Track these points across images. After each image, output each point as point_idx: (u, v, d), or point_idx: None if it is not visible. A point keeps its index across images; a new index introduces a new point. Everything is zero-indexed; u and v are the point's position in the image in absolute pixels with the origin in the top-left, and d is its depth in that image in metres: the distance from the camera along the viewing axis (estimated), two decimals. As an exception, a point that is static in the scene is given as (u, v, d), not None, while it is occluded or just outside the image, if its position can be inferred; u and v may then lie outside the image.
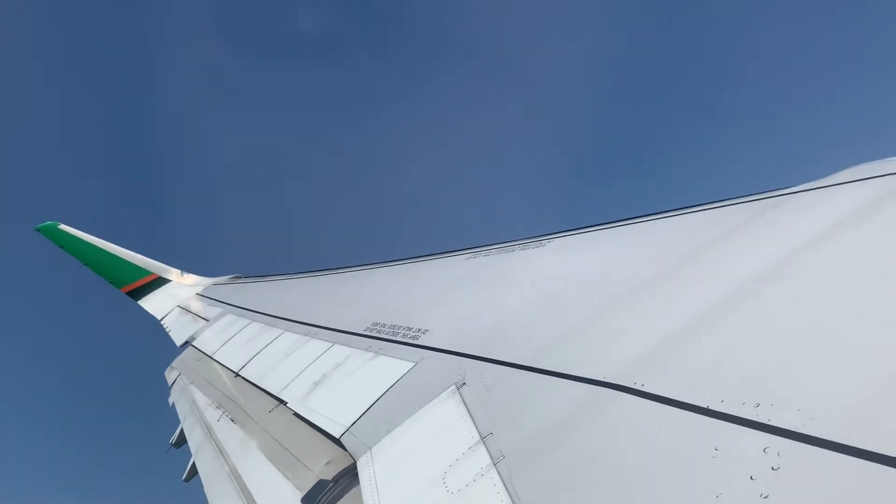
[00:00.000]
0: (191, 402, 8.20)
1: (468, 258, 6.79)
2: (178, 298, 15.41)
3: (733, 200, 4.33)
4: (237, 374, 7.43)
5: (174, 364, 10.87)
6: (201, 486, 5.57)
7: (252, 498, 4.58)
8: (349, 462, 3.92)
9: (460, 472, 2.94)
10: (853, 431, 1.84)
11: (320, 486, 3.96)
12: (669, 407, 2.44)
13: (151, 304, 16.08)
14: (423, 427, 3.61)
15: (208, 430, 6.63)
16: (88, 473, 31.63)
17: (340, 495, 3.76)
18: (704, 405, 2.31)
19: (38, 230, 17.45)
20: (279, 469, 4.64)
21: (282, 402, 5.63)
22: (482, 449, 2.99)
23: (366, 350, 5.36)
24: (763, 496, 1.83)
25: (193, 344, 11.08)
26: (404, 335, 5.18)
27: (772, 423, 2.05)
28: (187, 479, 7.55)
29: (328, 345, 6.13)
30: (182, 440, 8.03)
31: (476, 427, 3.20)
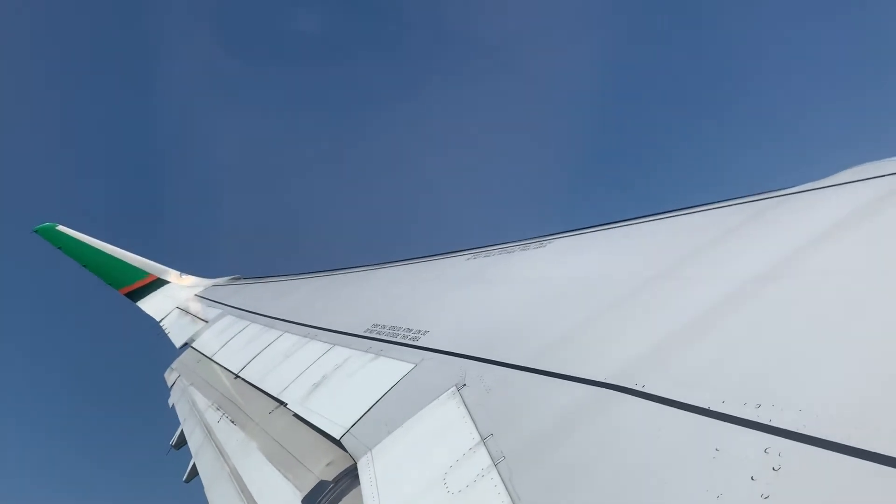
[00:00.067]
0: (191, 403, 8.20)
1: (468, 259, 6.79)
2: (177, 300, 15.40)
3: (733, 200, 4.33)
4: (237, 376, 7.43)
5: (174, 365, 10.86)
6: (202, 487, 5.57)
7: (252, 499, 4.58)
8: (350, 463, 3.92)
9: (461, 473, 2.94)
10: (854, 432, 1.84)
11: (321, 487, 3.96)
12: (670, 408, 2.44)
13: (150, 305, 16.07)
14: (424, 428, 3.61)
15: (208, 432, 6.62)
16: (89, 475, 31.63)
17: (341, 496, 3.76)
18: (705, 406, 2.32)
19: (36, 231, 17.45)
20: (280, 470, 4.64)
21: (282, 403, 5.63)
22: (483, 450, 2.99)
23: (366, 351, 5.36)
24: (764, 496, 1.84)
25: (193, 345, 11.07)
26: (404, 336, 5.18)
27: (772, 423, 2.05)
28: (188, 481, 7.55)
29: (328, 346, 6.13)
30: (182, 441, 8.03)
31: (476, 428, 3.20)
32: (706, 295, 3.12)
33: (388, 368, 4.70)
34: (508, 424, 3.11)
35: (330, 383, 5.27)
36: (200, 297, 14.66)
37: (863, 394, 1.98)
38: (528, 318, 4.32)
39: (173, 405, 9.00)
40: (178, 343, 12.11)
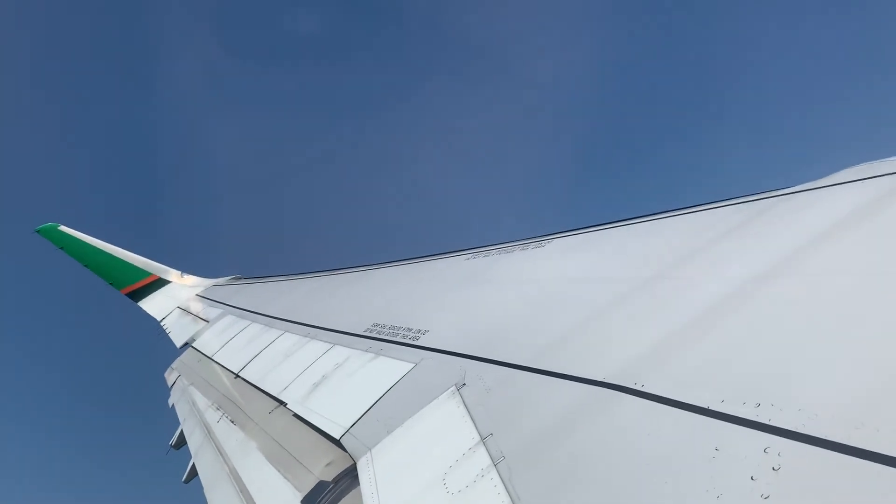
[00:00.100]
0: (191, 403, 8.20)
1: (468, 259, 6.79)
2: (177, 300, 15.42)
3: (733, 200, 4.33)
4: (237, 376, 7.43)
5: (174, 365, 10.87)
6: (201, 487, 5.57)
7: (252, 499, 4.58)
8: (349, 463, 3.92)
9: (461, 473, 2.94)
10: (853, 431, 1.83)
11: (320, 487, 3.95)
12: (669, 407, 2.44)
13: (151, 305, 16.09)
14: (424, 428, 3.61)
15: (208, 432, 6.62)
16: (89, 474, 31.65)
17: (341, 496, 3.76)
18: (705, 405, 2.31)
19: (37, 232, 17.47)
20: (279, 470, 4.63)
21: (282, 403, 5.63)
22: (482, 450, 2.98)
23: (366, 351, 5.36)
24: (764, 496, 1.83)
25: (193, 345, 11.07)
26: (404, 336, 5.18)
27: (772, 423, 2.05)
28: (187, 481, 7.55)
29: (328, 346, 6.12)
30: (182, 441, 8.03)
31: (476, 428, 3.20)
32: (706, 294, 3.11)
33: (388, 368, 4.70)
34: (508, 424, 3.10)
35: (330, 383, 5.26)
36: (201, 296, 14.67)
37: (862, 393, 1.98)
38: (527, 317, 4.31)
39: (173, 405, 9.00)
40: (178, 343, 12.11)
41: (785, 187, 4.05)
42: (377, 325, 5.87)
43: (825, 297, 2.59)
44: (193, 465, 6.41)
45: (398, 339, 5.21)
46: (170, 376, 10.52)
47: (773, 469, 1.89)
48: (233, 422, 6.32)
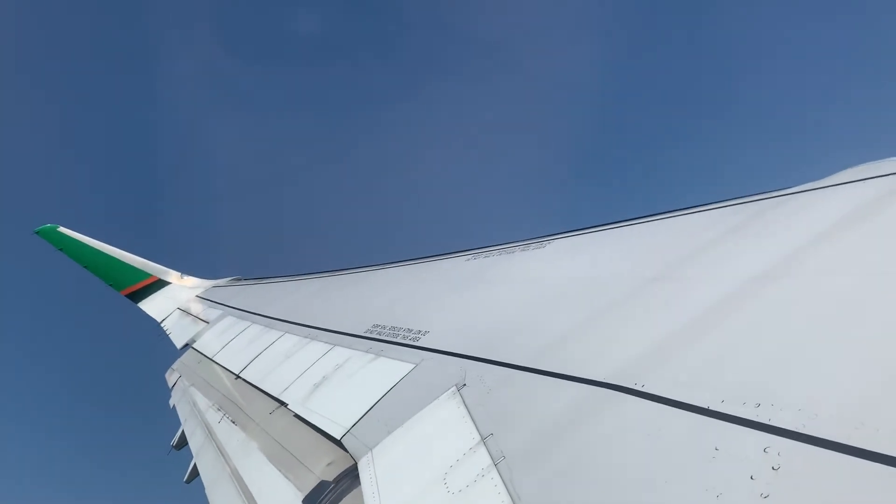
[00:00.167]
0: (191, 404, 8.20)
1: (468, 259, 6.79)
2: (178, 301, 15.41)
3: (734, 201, 4.33)
4: (238, 376, 7.43)
5: (175, 366, 10.87)
6: (203, 487, 5.57)
7: (253, 499, 4.59)
8: (350, 463, 3.92)
9: (461, 473, 2.94)
10: (853, 431, 1.84)
11: (321, 487, 3.96)
12: (670, 407, 2.44)
13: (151, 306, 16.08)
14: (424, 428, 3.62)
15: (209, 432, 6.63)
16: (90, 475, 31.65)
17: (341, 496, 3.76)
18: (705, 405, 2.32)
19: (37, 233, 17.46)
20: (280, 470, 4.64)
21: (282, 403, 5.63)
22: (483, 450, 2.99)
23: (366, 352, 5.36)
24: (763, 496, 1.84)
25: (194, 346, 11.07)
26: (405, 337, 5.18)
27: (772, 423, 2.05)
28: (189, 481, 7.55)
29: (328, 347, 6.13)
30: (183, 442, 8.04)
31: (477, 428, 3.20)
32: (706, 295, 3.12)
33: (389, 369, 4.70)
34: (508, 424, 3.11)
35: (330, 384, 5.27)
36: (201, 297, 14.67)
37: (862, 393, 1.98)
38: (528, 318, 4.32)
39: (174, 406, 9.01)
40: (179, 344, 12.11)
41: (786, 187, 4.06)
42: (377, 325, 5.88)
43: (825, 298, 2.59)
44: (195, 466, 6.43)
45: (398, 339, 5.21)
46: (170, 377, 10.53)
47: (773, 469, 1.90)
48: (234, 422, 6.32)
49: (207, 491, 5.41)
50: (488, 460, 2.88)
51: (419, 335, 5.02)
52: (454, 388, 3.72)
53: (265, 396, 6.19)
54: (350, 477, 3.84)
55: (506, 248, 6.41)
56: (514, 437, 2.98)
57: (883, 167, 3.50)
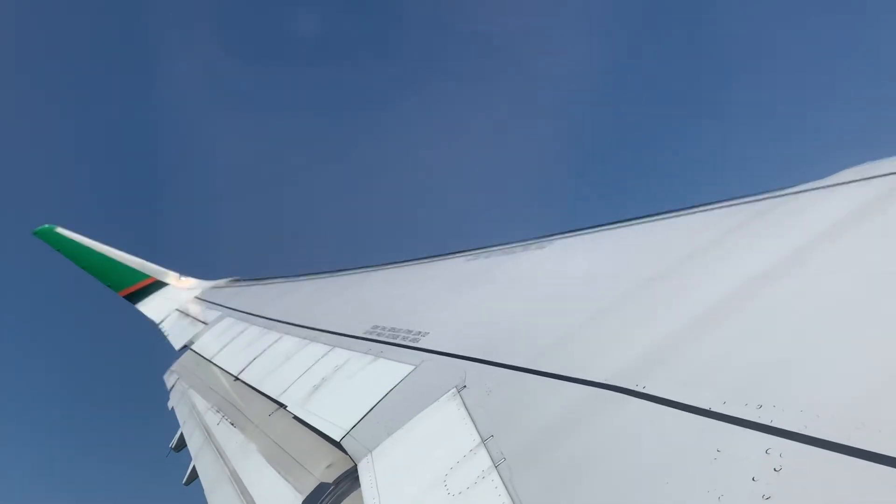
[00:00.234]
0: (190, 405, 8.19)
1: (468, 260, 6.79)
2: (176, 302, 15.38)
3: (734, 201, 4.33)
4: (237, 378, 7.42)
5: (173, 368, 10.86)
6: (202, 489, 5.56)
7: (253, 501, 4.58)
8: (350, 465, 3.92)
9: (461, 475, 2.93)
10: (855, 432, 1.83)
11: (321, 489, 3.95)
12: (671, 409, 2.44)
13: (150, 307, 16.05)
14: (424, 430, 3.61)
15: (208, 434, 6.62)
16: (89, 477, 31.63)
17: (341, 498, 3.75)
18: (706, 407, 2.31)
19: (35, 234, 17.46)
20: (280, 472, 4.63)
21: (282, 405, 5.62)
22: (483, 451, 2.98)
23: (366, 353, 5.35)
24: (765, 497, 1.83)
25: (192, 347, 11.05)
26: (404, 338, 5.18)
27: (774, 424, 2.05)
28: (188, 483, 7.54)
29: (328, 348, 6.12)
30: (182, 444, 8.03)
31: (477, 429, 3.20)
32: (707, 295, 3.11)
33: (388, 370, 4.70)
34: (509, 426, 3.10)
35: (330, 385, 5.26)
36: (200, 299, 14.64)
37: (864, 394, 1.97)
38: (528, 319, 4.31)
39: (173, 407, 8.99)
40: (177, 345, 12.09)
41: (787, 187, 4.06)
42: (377, 327, 5.87)
43: (827, 298, 2.59)
44: (194, 468, 6.42)
45: (398, 341, 5.20)
46: (169, 379, 10.51)
47: (775, 470, 1.89)
48: (233, 424, 6.31)
49: (207, 493, 5.40)
50: (489, 462, 2.87)
51: (419, 336, 5.01)
52: (454, 390, 3.71)
53: (264, 398, 6.18)
54: (350, 479, 3.83)
55: (506, 248, 6.40)
56: (515, 438, 2.97)
57: (884, 167, 3.49)
